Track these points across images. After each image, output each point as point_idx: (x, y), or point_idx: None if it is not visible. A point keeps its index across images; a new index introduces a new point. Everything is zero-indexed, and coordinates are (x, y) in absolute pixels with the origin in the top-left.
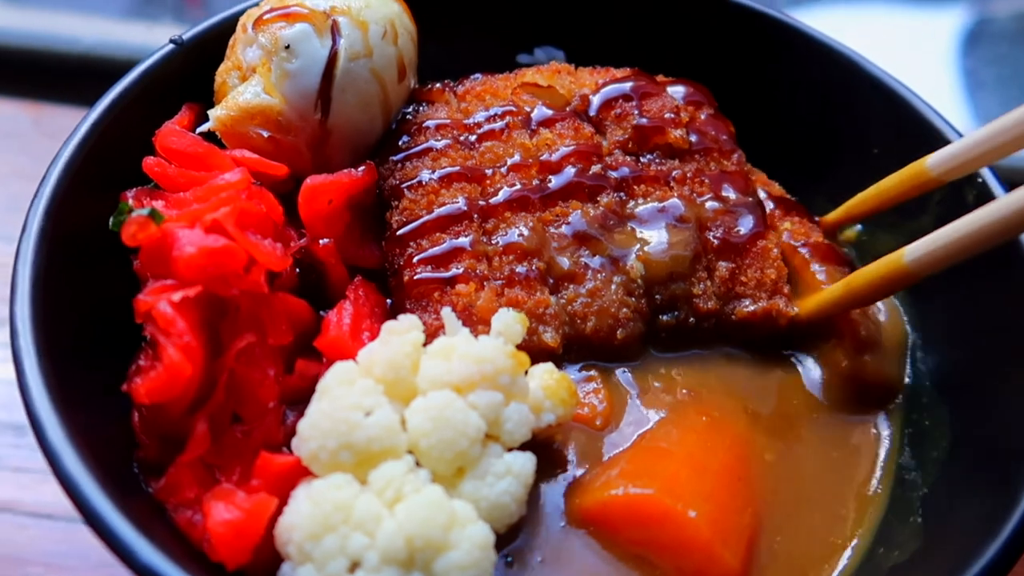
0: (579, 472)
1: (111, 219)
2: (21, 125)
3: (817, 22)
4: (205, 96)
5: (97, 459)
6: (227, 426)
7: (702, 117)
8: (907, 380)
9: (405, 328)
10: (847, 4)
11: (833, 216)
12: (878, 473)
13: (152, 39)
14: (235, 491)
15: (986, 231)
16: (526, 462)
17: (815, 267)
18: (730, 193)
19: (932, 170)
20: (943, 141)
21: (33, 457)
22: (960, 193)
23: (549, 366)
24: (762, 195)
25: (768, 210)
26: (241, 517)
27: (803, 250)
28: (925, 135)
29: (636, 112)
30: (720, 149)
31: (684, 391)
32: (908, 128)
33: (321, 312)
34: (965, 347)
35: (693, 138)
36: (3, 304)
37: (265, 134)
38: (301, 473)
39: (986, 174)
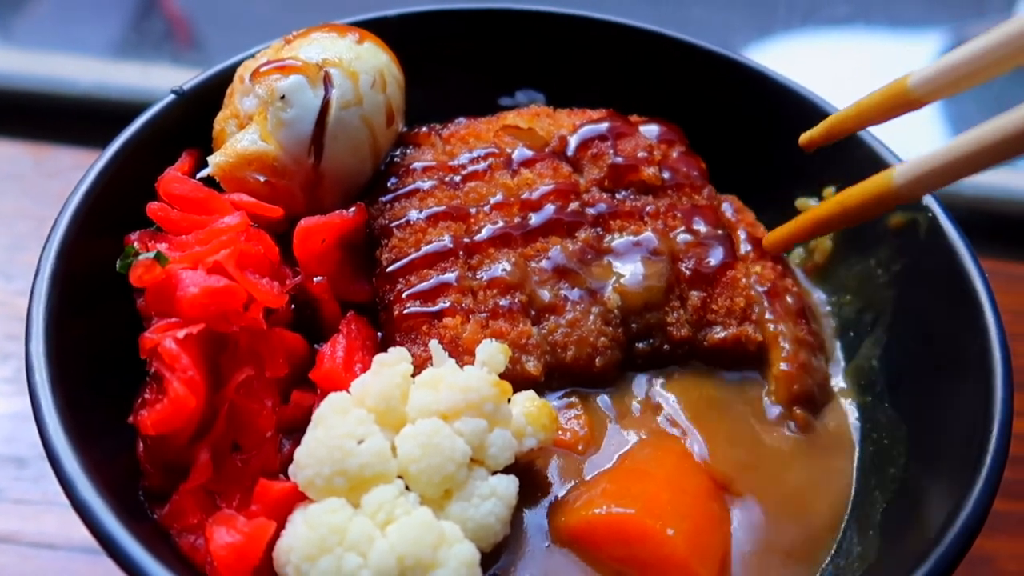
0: (561, 494)
1: (118, 262)
2: (22, 166)
3: (794, 54)
4: (203, 142)
5: (109, 488)
6: (227, 455)
7: (674, 155)
8: (867, 399)
9: (395, 360)
10: (825, 33)
11: (810, 136)
12: (842, 491)
13: (148, 82)
14: (236, 516)
15: (981, 153)
16: (509, 484)
17: (768, 315)
18: (701, 226)
19: (915, 90)
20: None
21: (34, 489)
22: (915, 226)
23: (531, 394)
24: (742, 235)
25: (745, 251)
26: (242, 540)
27: (758, 292)
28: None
29: (611, 151)
30: (692, 185)
31: (661, 414)
32: (864, 165)
33: (315, 345)
34: (921, 368)
35: (666, 175)
36: (9, 341)
37: (261, 178)
38: (297, 498)
39: (936, 208)
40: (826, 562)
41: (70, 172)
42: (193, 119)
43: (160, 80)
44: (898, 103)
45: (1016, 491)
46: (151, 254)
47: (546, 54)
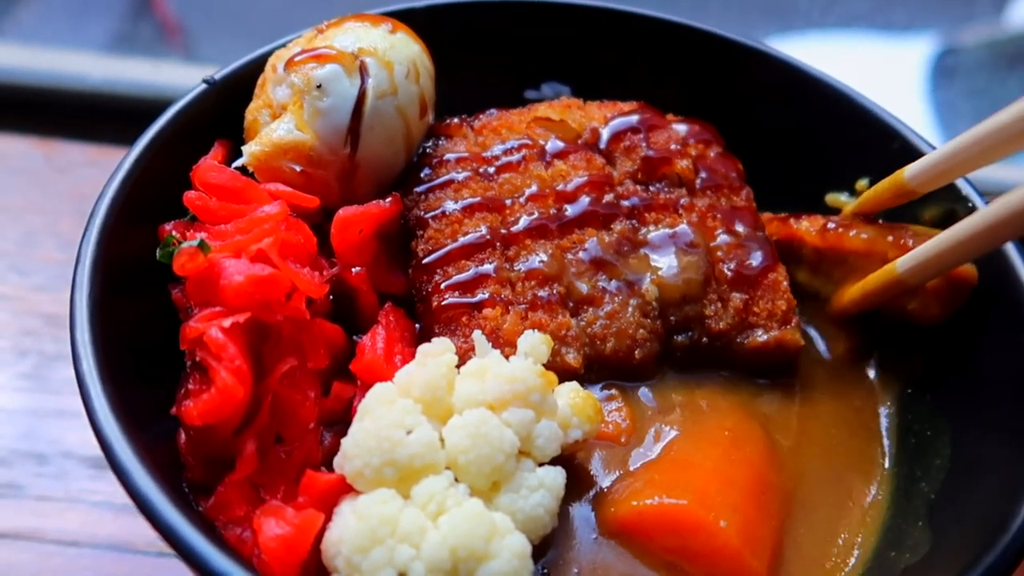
0: (605, 485)
1: (158, 250)
2: (33, 161)
3: (812, 49)
4: (231, 132)
5: (161, 478)
6: (271, 446)
7: (711, 155)
8: (908, 390)
9: (440, 350)
10: (819, 34)
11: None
12: (884, 481)
13: (158, 77)
14: (284, 508)
15: (971, 242)
16: (557, 476)
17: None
18: (741, 228)
19: (910, 182)
20: None
21: (56, 486)
22: (952, 219)
23: (575, 385)
24: None
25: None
26: (292, 532)
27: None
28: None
29: (644, 144)
30: (730, 186)
31: (703, 405)
32: (897, 157)
33: (353, 337)
34: (960, 361)
35: (703, 175)
36: (25, 337)
37: (297, 168)
38: (344, 490)
39: (976, 200)
40: (875, 552)
41: (80, 167)
42: (223, 109)
43: (170, 76)
44: (896, 195)
45: None
46: (194, 242)
47: (571, 46)
